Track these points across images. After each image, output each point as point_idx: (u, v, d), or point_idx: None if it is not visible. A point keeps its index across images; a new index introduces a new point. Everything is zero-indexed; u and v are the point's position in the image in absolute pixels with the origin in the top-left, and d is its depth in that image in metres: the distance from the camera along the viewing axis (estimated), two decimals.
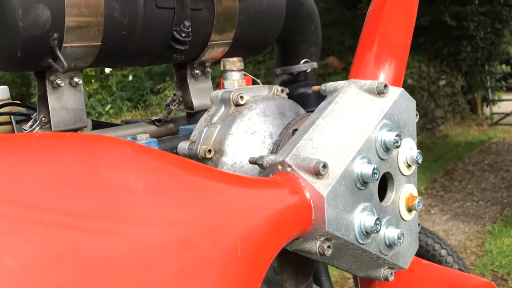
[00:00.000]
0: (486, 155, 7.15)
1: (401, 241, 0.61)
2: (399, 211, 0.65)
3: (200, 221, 0.42)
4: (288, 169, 0.55)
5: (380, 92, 0.63)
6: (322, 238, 0.55)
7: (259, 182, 0.52)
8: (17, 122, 1.10)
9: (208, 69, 1.03)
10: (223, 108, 0.72)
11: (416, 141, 0.67)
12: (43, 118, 0.81)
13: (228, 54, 1.00)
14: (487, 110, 10.10)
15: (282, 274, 0.67)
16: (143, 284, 0.36)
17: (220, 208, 0.45)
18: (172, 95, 1.04)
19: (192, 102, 0.99)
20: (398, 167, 0.64)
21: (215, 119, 0.72)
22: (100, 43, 0.78)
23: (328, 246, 0.55)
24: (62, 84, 0.80)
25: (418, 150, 0.65)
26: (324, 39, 1.40)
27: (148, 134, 0.85)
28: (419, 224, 0.69)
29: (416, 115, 0.67)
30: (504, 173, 6.05)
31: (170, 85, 8.12)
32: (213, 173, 0.49)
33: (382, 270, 0.65)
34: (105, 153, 0.39)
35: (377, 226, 0.57)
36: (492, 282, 0.84)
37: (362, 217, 0.57)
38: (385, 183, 0.65)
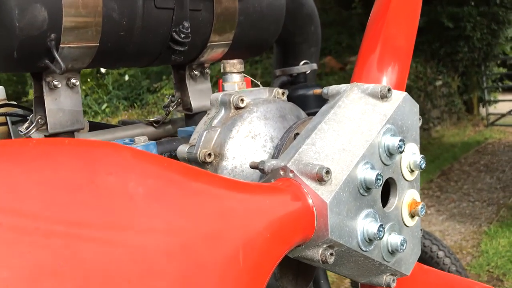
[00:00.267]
0: (482, 155, 7.16)
1: (404, 247, 0.61)
2: (401, 217, 0.64)
3: (201, 229, 0.41)
4: (290, 174, 0.54)
5: (383, 96, 0.62)
6: (325, 246, 0.54)
7: (261, 188, 0.51)
8: (13, 123, 1.09)
9: (207, 70, 1.02)
10: (223, 111, 0.71)
11: (419, 145, 0.66)
12: (39, 120, 0.79)
13: (227, 55, 0.99)
14: (483, 111, 10.11)
15: (282, 280, 0.66)
16: None
17: (221, 215, 0.44)
18: (170, 96, 1.03)
19: (190, 104, 0.98)
20: (401, 172, 0.63)
21: (215, 122, 0.71)
22: (98, 44, 0.77)
23: (331, 254, 0.54)
24: (59, 85, 0.78)
25: (421, 155, 0.64)
26: (322, 39, 1.39)
27: (146, 136, 0.83)
28: (421, 230, 0.68)
29: (420, 119, 0.67)
30: (500, 174, 6.06)
31: (167, 84, 8.09)
32: (214, 179, 0.48)
33: (384, 277, 0.64)
34: (104, 159, 0.38)
35: (380, 233, 0.56)
36: None
37: (365, 224, 0.56)
38: (387, 188, 0.64)
